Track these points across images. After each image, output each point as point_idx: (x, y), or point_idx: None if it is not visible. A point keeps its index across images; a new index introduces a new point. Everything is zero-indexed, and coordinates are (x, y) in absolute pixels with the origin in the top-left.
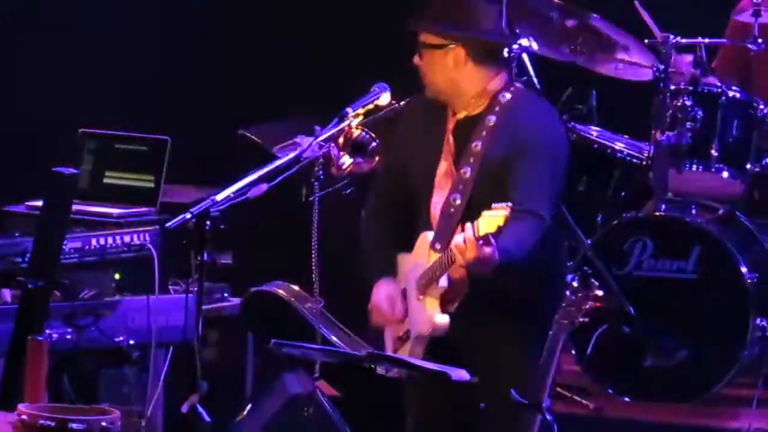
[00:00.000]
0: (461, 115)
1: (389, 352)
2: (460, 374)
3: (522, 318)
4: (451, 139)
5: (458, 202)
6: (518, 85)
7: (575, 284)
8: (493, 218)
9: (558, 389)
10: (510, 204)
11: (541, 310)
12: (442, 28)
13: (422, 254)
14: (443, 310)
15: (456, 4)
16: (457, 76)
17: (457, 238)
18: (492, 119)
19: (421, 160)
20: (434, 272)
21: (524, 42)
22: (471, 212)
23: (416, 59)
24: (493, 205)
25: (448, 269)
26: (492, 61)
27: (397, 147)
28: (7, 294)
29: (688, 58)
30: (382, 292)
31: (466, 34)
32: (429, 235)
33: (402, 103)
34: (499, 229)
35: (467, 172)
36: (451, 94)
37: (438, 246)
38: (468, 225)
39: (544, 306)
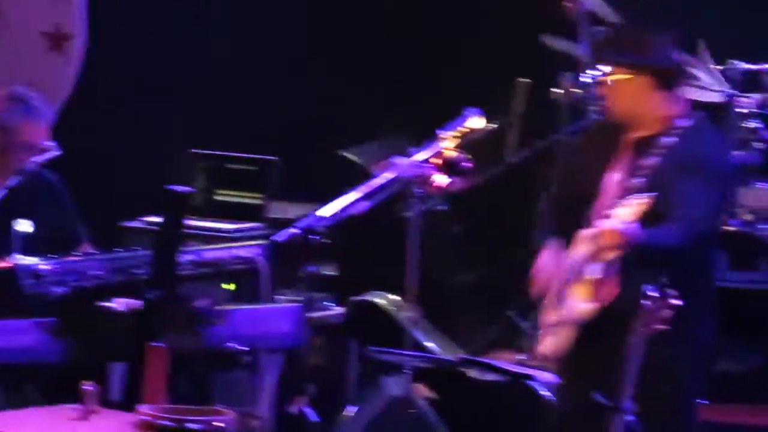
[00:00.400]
0: (639, 134)
1: (548, 337)
2: (545, 377)
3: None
4: (626, 154)
5: None
6: (698, 112)
7: (653, 293)
8: (633, 206)
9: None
10: (651, 195)
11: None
12: (631, 59)
13: (580, 248)
14: (591, 301)
15: (639, 36)
16: (642, 102)
17: (601, 222)
18: (669, 141)
19: (592, 174)
20: (586, 260)
21: None
22: None
23: (603, 87)
24: (635, 196)
25: (597, 255)
26: (672, 88)
27: (569, 170)
28: (122, 304)
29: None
30: (547, 255)
31: (652, 64)
32: (587, 231)
33: (492, 125)
34: (641, 216)
35: (638, 182)
36: (634, 117)
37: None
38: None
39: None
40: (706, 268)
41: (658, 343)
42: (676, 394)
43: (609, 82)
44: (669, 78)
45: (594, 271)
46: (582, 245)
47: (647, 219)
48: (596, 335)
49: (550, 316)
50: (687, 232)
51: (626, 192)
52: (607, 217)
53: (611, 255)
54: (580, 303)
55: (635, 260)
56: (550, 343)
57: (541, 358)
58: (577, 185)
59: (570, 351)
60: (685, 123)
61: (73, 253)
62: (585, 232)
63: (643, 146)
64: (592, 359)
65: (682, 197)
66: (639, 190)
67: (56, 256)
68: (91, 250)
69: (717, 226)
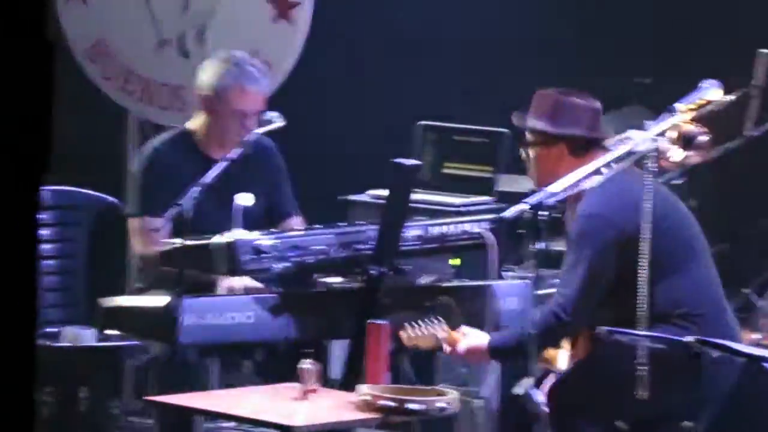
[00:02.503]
0: None
1: None
2: None
3: None
4: None
5: None
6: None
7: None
8: None
9: None
10: None
11: None
12: (546, 125)
13: None
14: None
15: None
16: (558, 169)
17: None
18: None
19: None
20: None
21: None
22: None
23: (522, 154)
24: None
25: None
26: (587, 155)
27: None
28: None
29: None
30: None
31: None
32: None
33: (730, 97)
34: None
35: None
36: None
37: None
38: None
39: None
40: None
41: None
42: None
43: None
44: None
45: None
46: None
47: None
48: None
49: None
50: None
51: None
52: None
53: None
54: None
55: None
56: None
57: None
58: None
59: None
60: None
61: (289, 227)
62: None
63: None
64: None
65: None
66: None
67: (276, 231)
68: (301, 226)
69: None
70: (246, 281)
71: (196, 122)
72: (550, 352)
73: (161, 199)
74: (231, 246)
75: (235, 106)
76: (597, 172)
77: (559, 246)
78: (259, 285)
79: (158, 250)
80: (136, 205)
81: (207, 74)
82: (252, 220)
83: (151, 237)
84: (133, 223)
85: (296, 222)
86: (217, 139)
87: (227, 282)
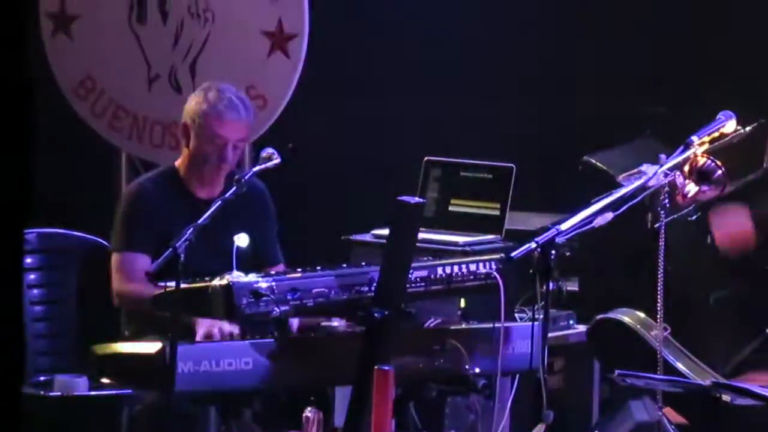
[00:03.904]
0: None
1: None
2: None
3: None
4: None
5: None
6: None
7: None
8: None
9: None
10: None
11: None
12: None
13: None
14: None
15: None
16: None
17: None
18: None
19: None
20: None
21: None
22: None
23: None
24: None
25: None
26: None
27: None
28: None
29: None
30: None
31: None
32: None
33: (748, 129)
34: None
35: None
36: None
37: None
38: None
39: None
40: None
41: None
42: None
43: None
44: None
45: None
46: None
47: None
48: None
49: None
50: None
51: None
52: None
53: None
54: None
55: None
56: None
57: None
58: None
59: None
60: None
61: (291, 269)
62: None
63: None
64: None
65: None
66: None
67: (273, 273)
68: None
69: None
70: (225, 326)
71: (180, 160)
72: None
73: (143, 237)
74: (228, 289)
75: (213, 131)
76: (608, 208)
77: (571, 286)
78: (236, 329)
79: (136, 288)
80: (118, 242)
81: (188, 103)
82: (240, 262)
83: (130, 274)
84: (114, 259)
85: (281, 270)
86: (198, 174)
87: (204, 327)
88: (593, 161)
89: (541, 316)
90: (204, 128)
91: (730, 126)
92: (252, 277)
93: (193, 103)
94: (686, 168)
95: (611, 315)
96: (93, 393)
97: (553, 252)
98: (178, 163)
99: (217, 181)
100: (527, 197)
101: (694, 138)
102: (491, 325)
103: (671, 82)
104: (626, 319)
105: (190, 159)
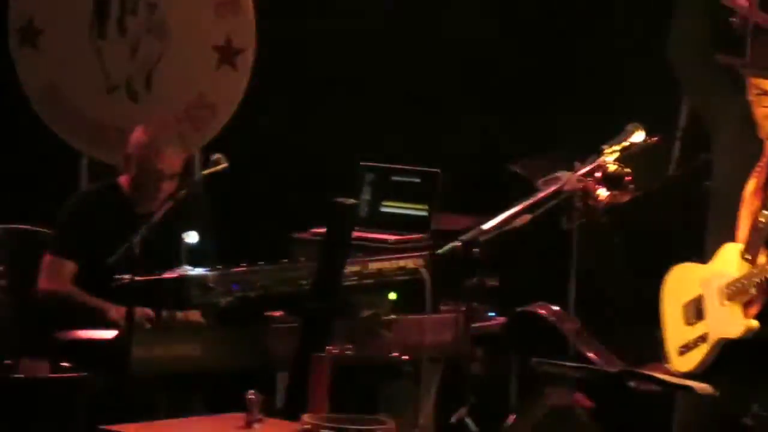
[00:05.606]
0: None
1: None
2: (704, 388)
3: None
4: (764, 160)
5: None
6: None
7: None
8: None
9: None
10: None
11: None
12: None
13: (729, 264)
14: (746, 315)
15: None
16: None
17: None
18: None
19: (730, 178)
20: (745, 281)
21: None
22: None
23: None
24: None
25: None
26: None
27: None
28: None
29: None
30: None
31: None
32: (736, 247)
33: (654, 139)
34: None
35: None
36: None
37: (748, 257)
38: None
39: None
40: None
41: None
42: None
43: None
44: None
45: (753, 290)
46: (732, 262)
47: None
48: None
49: (683, 331)
50: None
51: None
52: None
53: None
54: (747, 320)
55: None
56: (691, 359)
57: (678, 374)
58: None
59: (717, 366)
60: None
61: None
62: (736, 249)
63: None
64: (750, 372)
65: None
66: None
67: (220, 267)
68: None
69: None
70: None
71: (123, 178)
72: None
73: (76, 244)
74: (180, 281)
75: (153, 166)
76: (527, 210)
77: (492, 281)
78: (150, 313)
79: (58, 288)
80: (53, 244)
81: (132, 135)
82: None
83: (54, 277)
84: (45, 259)
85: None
86: (138, 194)
87: (114, 312)
88: (516, 168)
89: (464, 308)
90: (143, 160)
91: (637, 136)
92: (200, 270)
93: (134, 138)
94: (598, 174)
95: (528, 308)
96: (55, 376)
97: (476, 249)
98: (122, 179)
99: (156, 201)
100: (455, 200)
101: (605, 146)
102: (419, 316)
103: (582, 92)
104: (542, 312)
105: (131, 184)
